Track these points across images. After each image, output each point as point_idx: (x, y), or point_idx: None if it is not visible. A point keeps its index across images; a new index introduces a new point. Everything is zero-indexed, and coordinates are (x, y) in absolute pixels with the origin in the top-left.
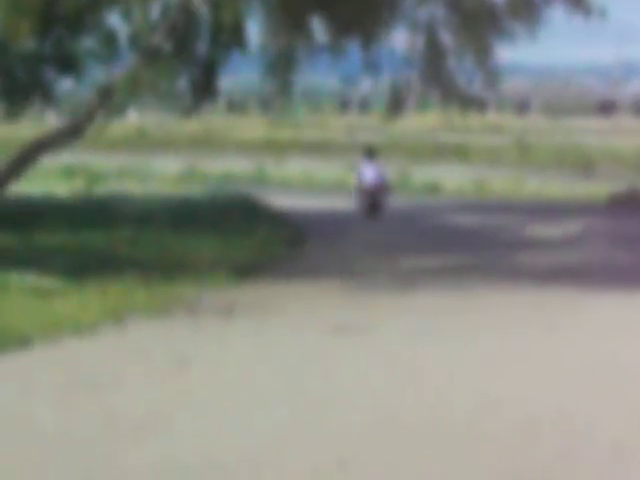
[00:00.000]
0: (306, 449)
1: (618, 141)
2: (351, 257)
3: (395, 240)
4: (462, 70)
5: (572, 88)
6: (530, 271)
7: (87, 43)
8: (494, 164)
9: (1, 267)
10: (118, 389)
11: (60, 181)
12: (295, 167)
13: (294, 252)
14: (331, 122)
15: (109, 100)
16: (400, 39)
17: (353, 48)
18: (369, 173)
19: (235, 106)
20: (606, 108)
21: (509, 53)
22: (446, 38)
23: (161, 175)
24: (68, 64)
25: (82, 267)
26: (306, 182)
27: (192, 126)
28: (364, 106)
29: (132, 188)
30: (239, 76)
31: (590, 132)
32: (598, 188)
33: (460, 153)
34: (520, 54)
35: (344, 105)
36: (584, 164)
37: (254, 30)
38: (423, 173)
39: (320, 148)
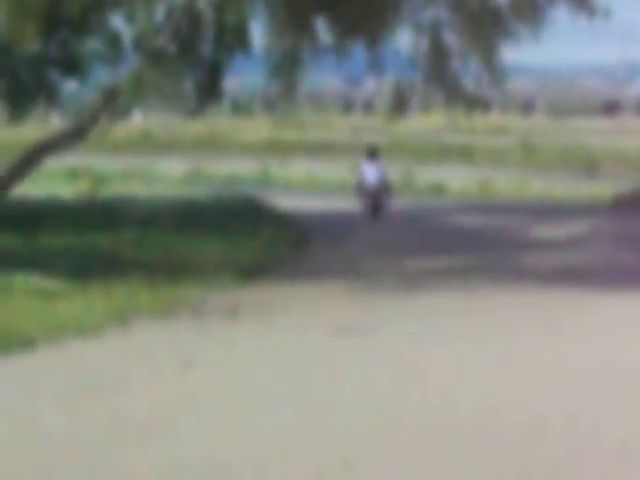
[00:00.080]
0: (311, 450)
1: (622, 141)
2: (356, 258)
3: (400, 241)
4: (466, 71)
5: (576, 89)
6: (535, 272)
7: (92, 45)
8: (499, 165)
9: (5, 269)
10: (122, 391)
11: (64, 183)
12: (299, 168)
13: (299, 253)
14: (335, 123)
15: (113, 102)
16: (404, 40)
17: (357, 49)
18: (371, 173)
19: (240, 107)
20: (610, 108)
21: (513, 54)
22: (450, 39)
23: (166, 177)
24: (72, 66)
25: (86, 269)
26: (310, 183)
27: (197, 128)
28: (368, 107)
29: (136, 190)
30: (244, 77)
31: (594, 132)
32: (603, 188)
33: (465, 154)
34: (524, 55)
35: (348, 106)
36: (588, 165)
37: (258, 31)
38: (428, 174)
39: (324, 149)
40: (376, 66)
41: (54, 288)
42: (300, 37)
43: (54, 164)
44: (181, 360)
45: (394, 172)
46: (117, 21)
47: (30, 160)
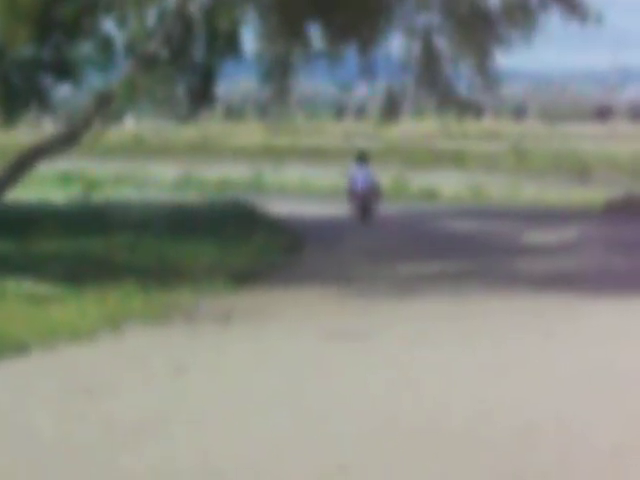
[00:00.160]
0: (305, 455)
1: (614, 147)
2: (349, 263)
3: (393, 246)
4: (458, 76)
5: (568, 94)
6: (527, 277)
7: (84, 49)
8: (491, 170)
9: None
10: (116, 396)
11: (57, 187)
12: (292, 173)
13: (292, 258)
14: (328, 128)
15: (106, 107)
16: (396, 45)
17: (350, 54)
18: (360, 178)
19: (232, 112)
20: (602, 114)
21: (505, 59)
22: (442, 44)
23: (158, 182)
24: (65, 70)
25: (79, 274)
26: (303, 188)
27: (189, 132)
28: (361, 112)
29: (129, 195)
30: (236, 82)
31: (586, 138)
32: (595, 194)
33: (457, 159)
34: (516, 60)
35: (341, 111)
36: (581, 170)
37: (251, 36)
38: (420, 179)
39: (317, 154)
40: (368, 71)
41: (47, 293)
42: (292, 42)
43: (47, 168)
44: (174, 365)
45: (386, 177)
46: (109, 25)
47: (23, 164)
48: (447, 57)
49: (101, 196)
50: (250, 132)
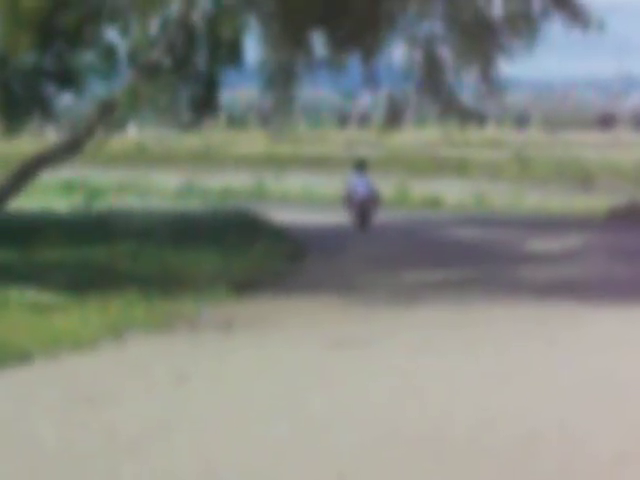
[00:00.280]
0: (306, 464)
1: (617, 155)
2: (352, 271)
3: (396, 254)
4: (461, 84)
5: (571, 102)
6: (530, 285)
7: (87, 58)
8: (494, 178)
9: (1, 283)
10: (118, 404)
11: (59, 196)
12: (295, 182)
13: (294, 267)
14: (331, 137)
15: (109, 115)
16: (399, 54)
17: (353, 62)
18: (359, 186)
19: (235, 121)
20: (605, 122)
21: (508, 67)
22: (445, 52)
23: (161, 190)
24: (68, 79)
25: (82, 282)
26: (306, 197)
27: (192, 141)
28: (363, 120)
29: (132, 203)
30: (239, 91)
31: (589, 146)
32: (598, 202)
33: (460, 167)
34: (519, 68)
35: (343, 120)
36: (583, 178)
37: (253, 45)
38: (423, 187)
39: (320, 163)
40: (371, 80)
41: (50, 302)
42: (295, 50)
43: (49, 177)
44: (176, 374)
45: (389, 185)
46: (112, 34)
47: (26, 173)
48: (449, 66)
49: (104, 205)
50: (252, 141)
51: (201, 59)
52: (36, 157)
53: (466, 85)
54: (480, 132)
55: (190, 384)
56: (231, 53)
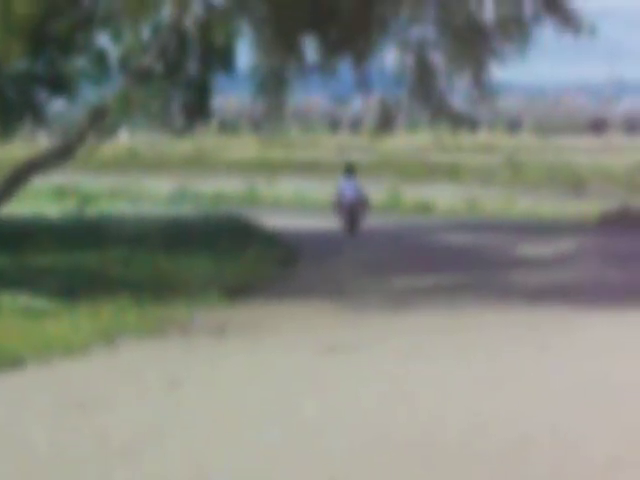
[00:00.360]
0: (298, 469)
1: (609, 159)
2: (343, 277)
3: (387, 259)
4: (452, 89)
5: (563, 106)
6: (522, 290)
7: (78, 64)
8: (486, 183)
9: None
10: (110, 410)
11: (51, 202)
12: (287, 187)
13: (286, 272)
14: (322, 141)
15: (101, 121)
16: (391, 58)
17: (344, 67)
18: (348, 190)
19: (227, 126)
20: (597, 126)
21: (500, 72)
22: (436, 57)
23: (153, 195)
24: (60, 85)
25: (74, 288)
26: (298, 202)
27: (184, 146)
28: (355, 125)
29: (124, 209)
30: (231, 96)
31: (581, 150)
32: (589, 206)
33: (451, 172)
34: (510, 73)
35: (335, 124)
36: (575, 182)
37: (244, 51)
38: (414, 192)
39: (311, 168)
40: (363, 85)
41: (41, 307)
42: (287, 55)
43: (41, 183)
44: (168, 379)
45: (381, 190)
46: (104, 40)
47: (17, 179)
48: (441, 70)
49: (96, 210)
50: (244, 146)
51: (193, 64)
52: (28, 162)
53: (458, 90)
54: (472, 137)
55: (182, 389)
56: (223, 59)
